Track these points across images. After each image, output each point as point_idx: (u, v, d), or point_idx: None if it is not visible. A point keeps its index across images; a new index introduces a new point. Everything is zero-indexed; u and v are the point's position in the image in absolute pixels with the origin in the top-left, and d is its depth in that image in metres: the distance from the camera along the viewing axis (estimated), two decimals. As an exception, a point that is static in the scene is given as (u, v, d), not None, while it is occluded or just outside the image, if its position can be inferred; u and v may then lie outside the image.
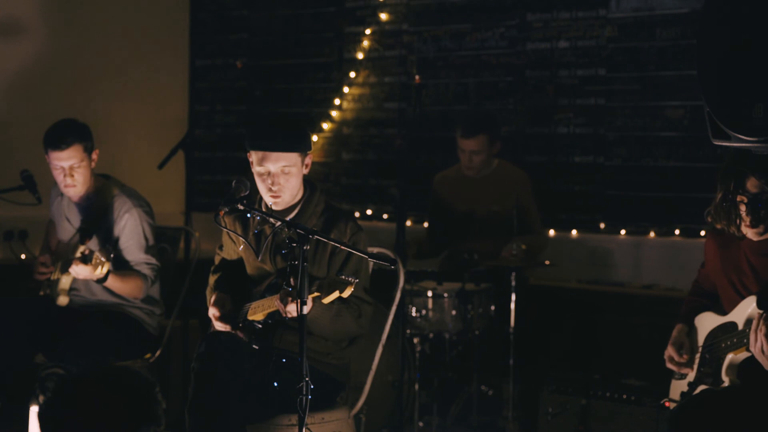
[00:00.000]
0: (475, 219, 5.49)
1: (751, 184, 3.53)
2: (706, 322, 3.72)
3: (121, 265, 4.51)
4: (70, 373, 2.11)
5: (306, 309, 3.25)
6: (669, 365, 3.76)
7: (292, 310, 3.42)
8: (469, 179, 5.55)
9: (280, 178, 3.67)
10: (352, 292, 3.46)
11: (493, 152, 5.51)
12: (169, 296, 4.77)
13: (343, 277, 3.42)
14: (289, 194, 3.71)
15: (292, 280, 3.43)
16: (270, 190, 3.67)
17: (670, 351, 3.74)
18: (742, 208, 3.54)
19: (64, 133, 4.43)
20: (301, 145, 3.69)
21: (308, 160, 3.75)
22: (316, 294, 3.42)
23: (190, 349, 4.35)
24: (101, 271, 4.23)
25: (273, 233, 3.71)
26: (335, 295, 3.40)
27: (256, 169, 3.69)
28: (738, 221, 3.57)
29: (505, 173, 5.55)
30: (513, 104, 6.15)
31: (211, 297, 3.82)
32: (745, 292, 3.60)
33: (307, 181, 3.83)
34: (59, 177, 4.47)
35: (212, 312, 3.72)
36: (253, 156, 3.69)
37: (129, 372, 2.11)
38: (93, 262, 4.23)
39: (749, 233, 3.57)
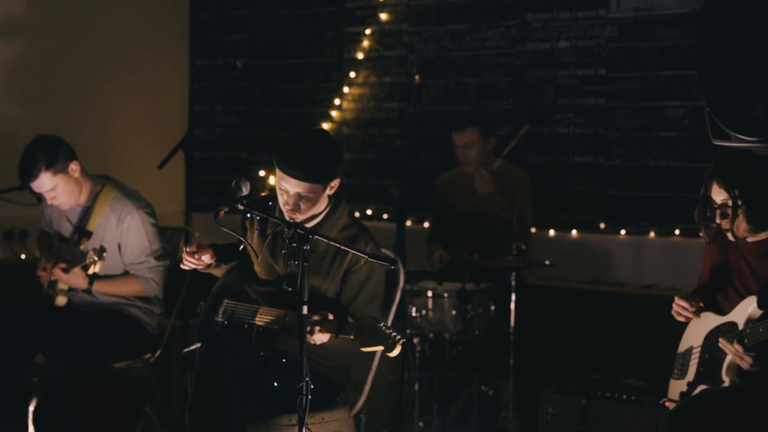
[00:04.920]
0: (477, 217, 5.49)
1: (715, 191, 3.55)
2: (706, 322, 3.71)
3: (118, 267, 4.54)
4: (68, 373, 2.10)
5: (320, 324, 3.25)
6: (678, 304, 3.71)
7: (317, 339, 3.41)
8: (471, 178, 5.55)
9: (297, 200, 3.59)
10: (369, 311, 3.42)
11: (488, 148, 5.51)
12: (169, 296, 4.77)
13: (391, 332, 3.31)
14: (306, 214, 3.64)
15: (314, 316, 3.39)
16: (286, 204, 3.62)
17: (680, 301, 3.71)
18: (715, 213, 3.56)
19: (29, 166, 4.43)
20: (321, 178, 3.57)
21: (334, 183, 3.64)
22: (350, 337, 3.37)
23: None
24: (93, 270, 4.27)
25: (273, 233, 3.70)
26: (378, 348, 3.34)
27: (277, 182, 3.63)
28: (713, 224, 3.60)
29: (506, 173, 5.55)
30: (513, 104, 6.15)
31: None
32: (745, 292, 3.60)
33: (335, 194, 3.74)
34: (46, 197, 4.52)
35: (188, 248, 3.69)
36: (277, 170, 3.62)
37: (126, 373, 2.12)
38: (87, 260, 4.27)
39: (728, 236, 3.59)
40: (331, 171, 3.60)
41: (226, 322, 3.71)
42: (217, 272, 3.90)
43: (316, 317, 3.41)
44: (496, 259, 5.18)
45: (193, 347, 3.71)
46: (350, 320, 3.43)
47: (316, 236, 3.29)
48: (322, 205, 3.68)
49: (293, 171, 3.54)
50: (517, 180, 5.53)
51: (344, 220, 3.73)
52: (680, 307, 3.72)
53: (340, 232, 3.69)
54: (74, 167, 4.50)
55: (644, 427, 4.50)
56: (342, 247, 3.48)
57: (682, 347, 3.80)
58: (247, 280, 3.78)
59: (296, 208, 3.60)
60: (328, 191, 3.66)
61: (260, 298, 3.70)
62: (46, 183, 4.44)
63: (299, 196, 3.58)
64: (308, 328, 3.40)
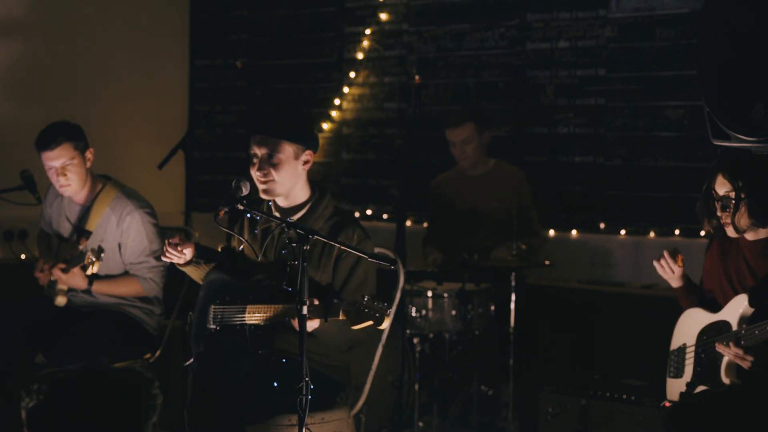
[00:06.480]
0: (476, 217, 5.49)
1: (719, 183, 3.55)
2: (697, 319, 3.70)
3: (119, 268, 4.54)
4: (67, 373, 2.09)
5: (307, 310, 3.23)
6: (665, 258, 3.77)
7: (308, 326, 3.41)
8: (468, 178, 5.55)
9: (266, 164, 3.64)
10: (367, 298, 3.42)
11: (484, 142, 5.50)
12: (169, 296, 4.77)
13: (377, 304, 3.32)
14: (280, 186, 3.66)
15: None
16: (258, 171, 3.64)
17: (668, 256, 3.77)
18: (717, 205, 3.57)
19: (53, 133, 4.45)
20: (289, 134, 3.64)
21: (306, 157, 3.69)
22: (342, 318, 3.38)
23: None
24: (91, 270, 4.27)
25: (274, 234, 3.70)
26: (367, 324, 3.35)
27: (249, 155, 3.68)
28: (714, 220, 3.60)
29: (502, 172, 5.55)
30: (513, 104, 6.15)
31: None
32: (744, 292, 3.59)
33: (317, 184, 3.80)
34: (53, 178, 4.49)
35: (171, 240, 3.72)
36: (250, 144, 3.69)
37: (127, 372, 2.11)
38: (85, 261, 4.27)
39: (728, 230, 3.58)
40: (297, 130, 3.67)
41: (218, 328, 3.71)
42: (195, 274, 3.90)
43: None
44: (491, 258, 5.18)
45: (192, 360, 3.71)
46: (335, 301, 3.43)
47: (300, 226, 3.30)
48: (293, 182, 3.67)
49: (258, 127, 3.65)
50: (515, 180, 5.52)
51: (330, 210, 3.75)
52: (665, 261, 3.75)
53: (326, 222, 3.72)
54: (90, 156, 4.53)
55: (644, 427, 4.50)
56: (342, 247, 3.48)
57: (675, 344, 3.79)
58: (231, 280, 3.78)
59: (267, 174, 3.62)
60: (302, 165, 3.68)
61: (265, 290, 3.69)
62: (65, 153, 4.43)
63: (268, 157, 3.62)
64: (295, 319, 3.41)
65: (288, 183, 3.68)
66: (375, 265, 3.70)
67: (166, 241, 3.75)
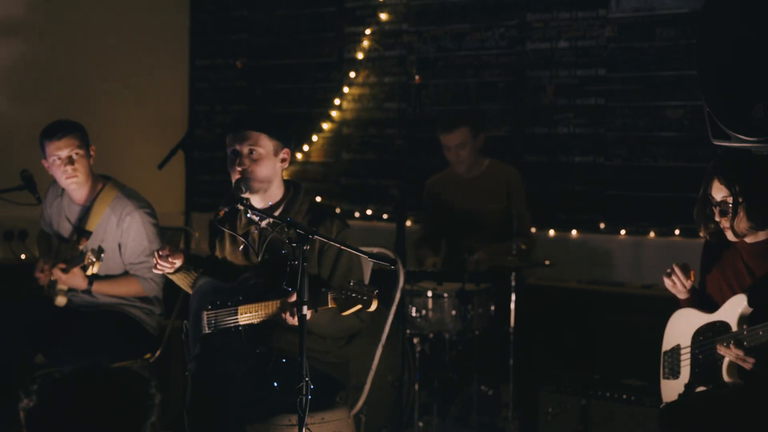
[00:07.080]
0: (472, 218, 5.48)
1: (716, 189, 3.53)
2: (691, 320, 3.68)
3: (118, 268, 4.54)
4: (66, 373, 2.08)
5: (306, 311, 3.24)
6: (676, 273, 3.70)
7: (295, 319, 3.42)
8: (463, 180, 5.55)
9: (246, 159, 3.63)
10: (353, 283, 3.40)
11: (478, 145, 5.50)
12: (169, 296, 4.77)
13: (364, 287, 3.32)
14: (259, 181, 3.65)
15: (290, 298, 3.40)
16: (238, 166, 3.63)
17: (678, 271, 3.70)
18: (715, 210, 3.56)
19: (59, 125, 4.49)
20: (268, 128, 3.66)
21: (284, 155, 3.70)
22: (332, 306, 3.38)
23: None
24: (91, 271, 4.28)
25: (263, 232, 3.68)
26: (356, 308, 3.35)
27: (228, 153, 3.68)
28: (713, 225, 3.59)
29: (497, 172, 5.54)
30: (513, 104, 6.15)
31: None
32: (742, 292, 3.58)
33: (291, 182, 3.81)
34: (59, 171, 4.48)
35: (161, 251, 3.75)
36: (227, 143, 3.69)
37: (125, 372, 2.10)
38: (85, 261, 4.27)
39: (727, 235, 3.57)
40: (275, 125, 3.70)
41: (213, 333, 3.71)
42: (184, 282, 3.91)
43: (291, 299, 3.41)
44: (497, 259, 5.18)
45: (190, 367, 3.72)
46: (323, 290, 3.43)
47: (301, 226, 3.30)
48: (272, 177, 3.68)
49: (241, 122, 3.68)
50: (509, 180, 5.51)
51: (306, 206, 3.76)
52: (677, 277, 3.69)
53: (304, 218, 3.71)
54: (93, 153, 4.56)
55: (644, 427, 4.50)
56: (342, 247, 3.48)
57: (667, 345, 3.76)
58: (219, 283, 3.78)
59: (248, 170, 3.62)
60: (279, 163, 3.69)
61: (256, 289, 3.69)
62: (72, 143, 4.45)
63: (249, 153, 3.63)
64: (287, 313, 3.43)
65: (267, 179, 3.67)
66: (358, 256, 3.69)
67: (156, 253, 3.77)
